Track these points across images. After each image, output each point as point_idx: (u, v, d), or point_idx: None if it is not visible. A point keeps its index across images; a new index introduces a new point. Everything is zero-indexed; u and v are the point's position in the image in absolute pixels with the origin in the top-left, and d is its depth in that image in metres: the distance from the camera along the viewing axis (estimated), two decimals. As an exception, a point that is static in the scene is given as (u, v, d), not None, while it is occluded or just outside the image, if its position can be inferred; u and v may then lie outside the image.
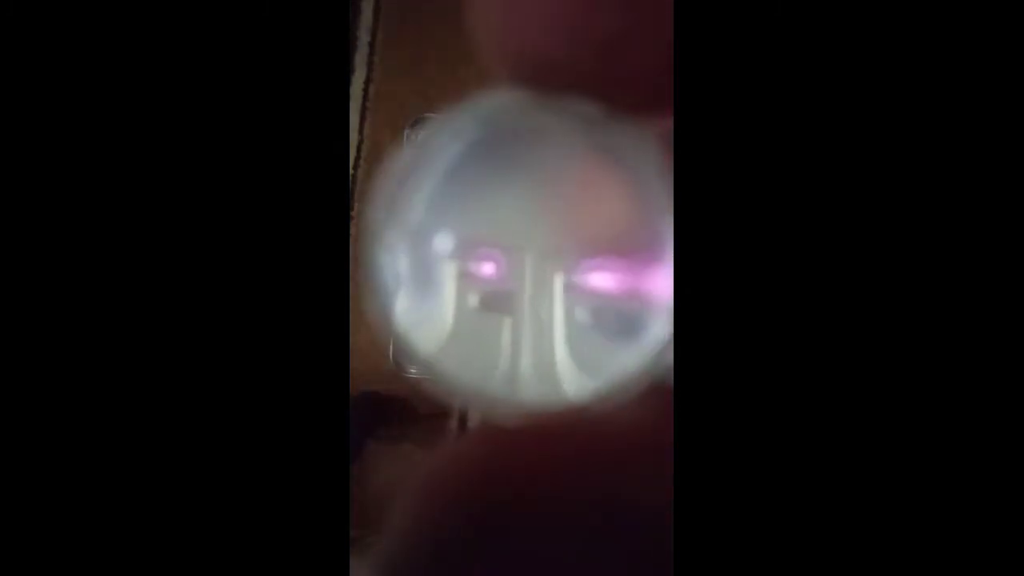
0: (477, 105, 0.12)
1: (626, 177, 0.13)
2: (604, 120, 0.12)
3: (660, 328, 0.12)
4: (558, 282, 0.12)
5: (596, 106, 0.12)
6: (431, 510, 0.12)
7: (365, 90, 1.08)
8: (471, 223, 0.13)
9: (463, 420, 0.95)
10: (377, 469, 0.94)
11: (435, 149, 0.13)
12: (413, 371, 0.13)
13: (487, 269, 0.12)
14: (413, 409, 0.97)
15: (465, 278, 0.12)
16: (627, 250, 0.13)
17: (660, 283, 0.12)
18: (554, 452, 0.12)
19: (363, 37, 1.09)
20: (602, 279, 0.12)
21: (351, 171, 1.04)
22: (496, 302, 0.13)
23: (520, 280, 0.12)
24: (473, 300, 0.13)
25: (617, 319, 0.13)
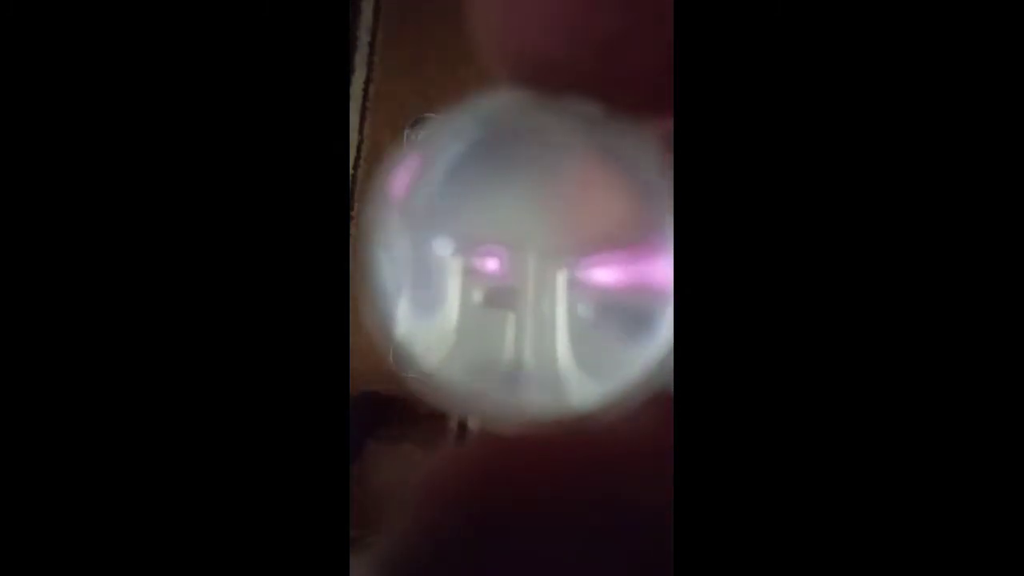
0: (477, 105, 0.12)
1: (627, 176, 0.13)
2: (604, 120, 0.12)
3: (662, 328, 0.12)
4: (561, 279, 0.12)
5: (596, 106, 0.12)
6: (431, 510, 0.12)
7: (365, 90, 1.08)
8: (472, 222, 0.13)
9: (463, 423, 0.95)
10: (377, 469, 0.94)
11: (435, 149, 0.13)
12: (413, 374, 0.13)
13: (490, 265, 0.12)
14: (413, 409, 0.97)
15: (468, 275, 0.12)
16: (629, 247, 0.13)
17: (661, 280, 0.12)
18: (554, 454, 0.12)
19: (363, 37, 1.09)
20: (604, 276, 0.12)
21: (351, 171, 1.04)
22: (500, 298, 0.13)
23: (523, 277, 0.12)
24: (477, 296, 0.13)
25: (620, 316, 0.13)
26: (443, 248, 0.12)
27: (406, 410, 0.98)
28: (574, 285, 0.12)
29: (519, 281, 0.12)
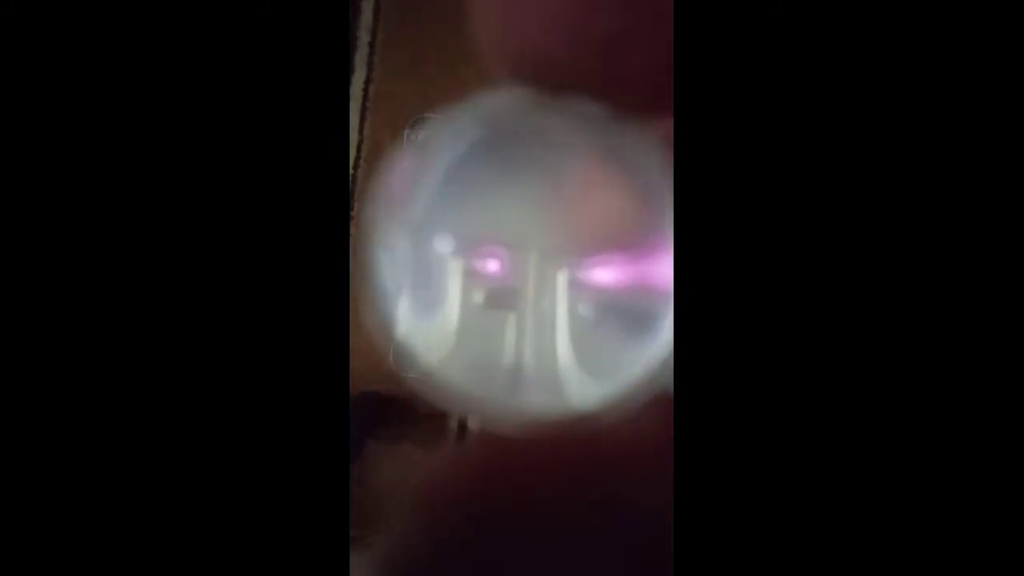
0: (478, 105, 0.12)
1: (627, 176, 0.13)
2: (605, 120, 0.12)
3: (663, 329, 0.12)
4: (561, 279, 0.12)
5: (597, 106, 0.12)
6: (431, 510, 0.12)
7: (365, 90, 1.08)
8: (473, 222, 0.13)
9: (463, 423, 0.95)
10: (377, 469, 0.94)
11: (436, 149, 0.13)
12: (413, 374, 0.13)
13: (491, 266, 0.12)
14: (413, 409, 0.97)
15: (468, 275, 0.12)
16: (629, 247, 0.13)
17: (662, 280, 0.12)
18: (555, 454, 0.12)
19: (363, 37, 1.09)
20: (605, 276, 0.12)
21: (351, 171, 1.04)
22: (500, 298, 0.13)
23: (524, 277, 0.12)
24: (477, 296, 0.13)
25: (621, 317, 0.13)
26: (443, 248, 0.12)
27: (406, 410, 0.98)
28: (575, 285, 0.12)
29: (520, 281, 0.12)
